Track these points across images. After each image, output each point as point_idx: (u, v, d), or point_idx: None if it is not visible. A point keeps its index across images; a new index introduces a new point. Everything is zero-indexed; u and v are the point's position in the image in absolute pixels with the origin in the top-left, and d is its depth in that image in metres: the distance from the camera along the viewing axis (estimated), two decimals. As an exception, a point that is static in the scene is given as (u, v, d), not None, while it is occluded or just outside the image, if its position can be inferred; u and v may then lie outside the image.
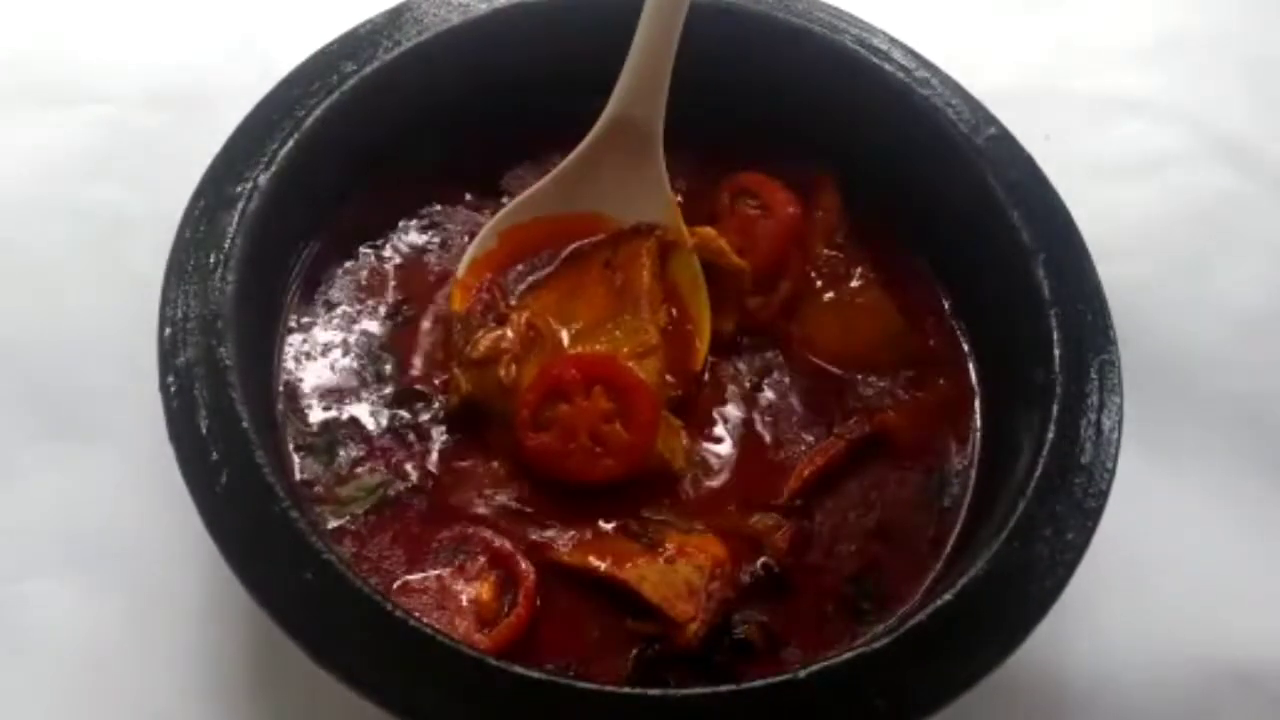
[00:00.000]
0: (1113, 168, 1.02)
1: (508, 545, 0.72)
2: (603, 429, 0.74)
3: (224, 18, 1.02)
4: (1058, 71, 1.08)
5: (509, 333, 0.76)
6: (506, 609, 0.70)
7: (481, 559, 0.72)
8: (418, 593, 0.70)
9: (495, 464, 0.75)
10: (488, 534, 0.72)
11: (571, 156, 0.81)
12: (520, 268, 0.82)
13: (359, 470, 0.74)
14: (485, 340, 0.76)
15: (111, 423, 0.82)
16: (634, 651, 0.70)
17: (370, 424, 0.76)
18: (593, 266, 0.81)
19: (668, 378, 0.77)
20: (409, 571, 0.71)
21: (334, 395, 0.77)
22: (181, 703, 0.74)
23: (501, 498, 0.74)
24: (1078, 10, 1.12)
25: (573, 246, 0.82)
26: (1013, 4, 1.13)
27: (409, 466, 0.75)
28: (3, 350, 0.85)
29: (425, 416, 0.77)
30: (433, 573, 0.71)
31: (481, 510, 0.74)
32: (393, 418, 0.77)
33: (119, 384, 0.81)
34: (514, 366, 0.75)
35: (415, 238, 0.84)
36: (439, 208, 0.85)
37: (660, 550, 0.72)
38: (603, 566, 0.71)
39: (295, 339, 0.78)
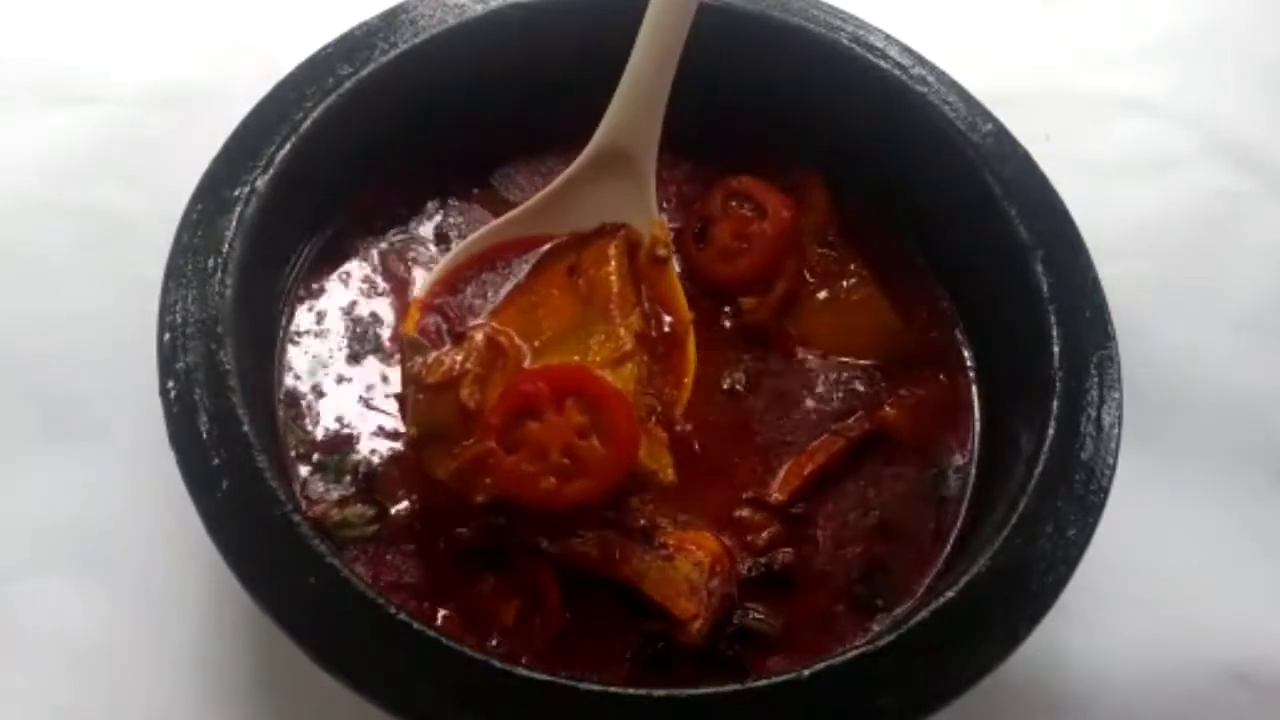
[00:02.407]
0: (1113, 168, 1.01)
1: (554, 582, 0.69)
2: (578, 445, 0.66)
3: (224, 18, 1.02)
4: (1058, 71, 1.07)
5: (469, 352, 0.69)
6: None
7: (511, 583, 0.70)
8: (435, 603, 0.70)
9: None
10: (530, 559, 0.70)
11: (557, 181, 0.78)
12: (474, 284, 0.77)
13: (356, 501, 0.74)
14: (444, 362, 0.69)
15: (111, 423, 0.82)
16: (636, 648, 0.70)
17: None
18: (556, 274, 0.75)
19: (662, 394, 0.72)
20: (426, 582, 0.71)
21: (335, 401, 0.77)
22: (182, 704, 0.74)
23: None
24: (1078, 10, 1.12)
25: (532, 254, 0.78)
26: (1013, 3, 1.12)
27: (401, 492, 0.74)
28: (2, 350, 0.85)
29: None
30: (456, 587, 0.70)
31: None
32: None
33: (119, 384, 0.81)
34: (477, 388, 0.68)
35: (414, 239, 0.83)
36: (438, 208, 0.85)
37: (657, 546, 0.71)
38: (600, 562, 0.70)
39: (295, 342, 0.78)
